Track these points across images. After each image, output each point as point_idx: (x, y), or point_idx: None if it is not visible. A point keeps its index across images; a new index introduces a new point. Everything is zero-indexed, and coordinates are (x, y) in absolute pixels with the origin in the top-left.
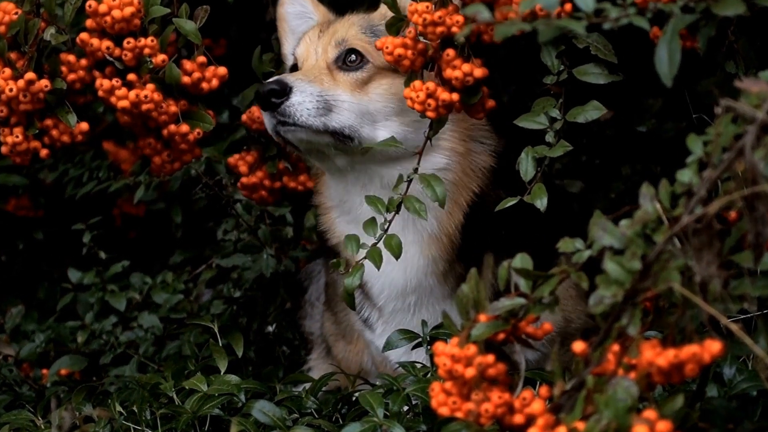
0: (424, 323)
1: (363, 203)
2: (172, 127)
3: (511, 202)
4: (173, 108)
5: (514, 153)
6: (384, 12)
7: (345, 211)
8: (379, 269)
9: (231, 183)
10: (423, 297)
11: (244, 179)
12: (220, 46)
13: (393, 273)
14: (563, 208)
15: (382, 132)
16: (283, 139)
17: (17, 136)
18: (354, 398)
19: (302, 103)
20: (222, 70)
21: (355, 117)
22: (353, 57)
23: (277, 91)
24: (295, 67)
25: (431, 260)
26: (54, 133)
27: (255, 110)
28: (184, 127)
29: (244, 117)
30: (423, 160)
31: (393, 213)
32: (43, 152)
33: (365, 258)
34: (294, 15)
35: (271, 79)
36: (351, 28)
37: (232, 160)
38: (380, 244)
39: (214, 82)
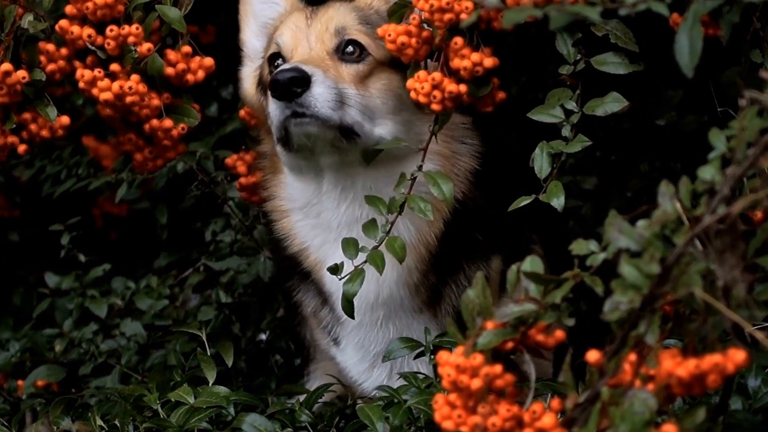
0: (427, 330)
1: (339, 206)
2: (155, 122)
3: (525, 201)
4: (156, 101)
5: (526, 149)
6: (369, 1)
7: (312, 214)
8: (381, 273)
9: (227, 180)
10: (392, 310)
11: (242, 180)
12: (208, 34)
13: (363, 284)
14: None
15: (378, 130)
16: (286, 134)
17: None
18: (352, 411)
19: (323, 94)
20: (208, 61)
21: (362, 111)
22: (351, 48)
23: (299, 80)
24: (276, 56)
25: (406, 270)
26: (32, 127)
27: None
28: (168, 122)
29: (242, 113)
30: (404, 165)
31: (395, 214)
32: (21, 148)
33: (366, 262)
34: None
35: (287, 66)
36: (347, 17)
37: (230, 160)
38: (382, 247)
39: (200, 74)
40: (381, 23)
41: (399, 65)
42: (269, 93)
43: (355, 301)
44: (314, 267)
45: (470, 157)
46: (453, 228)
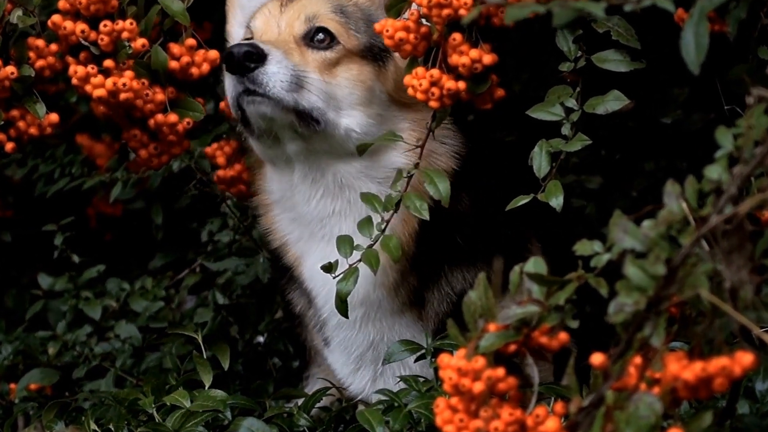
0: (427, 334)
1: (309, 200)
2: (160, 116)
3: (523, 200)
4: (160, 96)
5: (527, 147)
6: None
7: (287, 207)
8: (375, 273)
9: None
10: (370, 311)
11: (220, 172)
12: (205, 30)
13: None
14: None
15: (345, 121)
16: (241, 112)
17: None
18: (351, 415)
19: (277, 73)
20: (213, 54)
21: (323, 99)
22: (321, 36)
23: (253, 55)
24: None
25: (381, 270)
26: (21, 125)
27: None
28: (173, 117)
29: (222, 104)
30: (376, 158)
31: (391, 212)
32: (9, 146)
33: (360, 261)
34: None
35: (244, 41)
36: (321, 5)
37: (209, 150)
38: (377, 246)
39: (205, 67)
40: (358, 15)
41: (372, 57)
42: (224, 67)
43: (330, 300)
44: (294, 262)
45: (448, 158)
46: (430, 229)
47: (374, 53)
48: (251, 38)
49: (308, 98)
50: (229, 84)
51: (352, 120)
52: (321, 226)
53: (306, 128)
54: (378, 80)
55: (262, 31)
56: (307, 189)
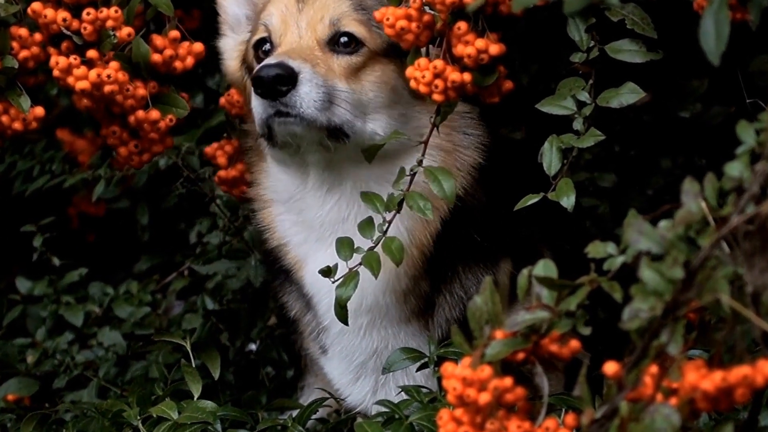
0: (431, 339)
1: (323, 205)
2: (140, 113)
3: (533, 199)
4: (141, 91)
5: (537, 143)
6: None
7: (294, 209)
8: (376, 277)
9: (211, 177)
10: (376, 318)
11: (222, 172)
12: (193, 19)
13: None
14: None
15: (371, 126)
16: (269, 130)
17: None
18: (349, 427)
19: (309, 93)
20: (198, 47)
21: (351, 110)
22: (345, 39)
23: (284, 78)
24: (263, 41)
25: (394, 276)
26: (4, 119)
27: (234, 92)
28: (154, 113)
29: (222, 100)
30: (399, 162)
31: (393, 212)
32: None
33: (360, 264)
34: None
35: (272, 62)
36: (342, 4)
37: (209, 150)
38: (378, 248)
39: (189, 61)
40: (378, 7)
41: (395, 54)
42: (252, 88)
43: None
44: (294, 265)
45: (473, 150)
46: (450, 229)
47: (397, 49)
48: (267, 37)
49: (339, 113)
50: (259, 106)
51: (376, 124)
52: (332, 231)
53: (335, 142)
54: (401, 77)
55: (281, 32)
56: (323, 195)
